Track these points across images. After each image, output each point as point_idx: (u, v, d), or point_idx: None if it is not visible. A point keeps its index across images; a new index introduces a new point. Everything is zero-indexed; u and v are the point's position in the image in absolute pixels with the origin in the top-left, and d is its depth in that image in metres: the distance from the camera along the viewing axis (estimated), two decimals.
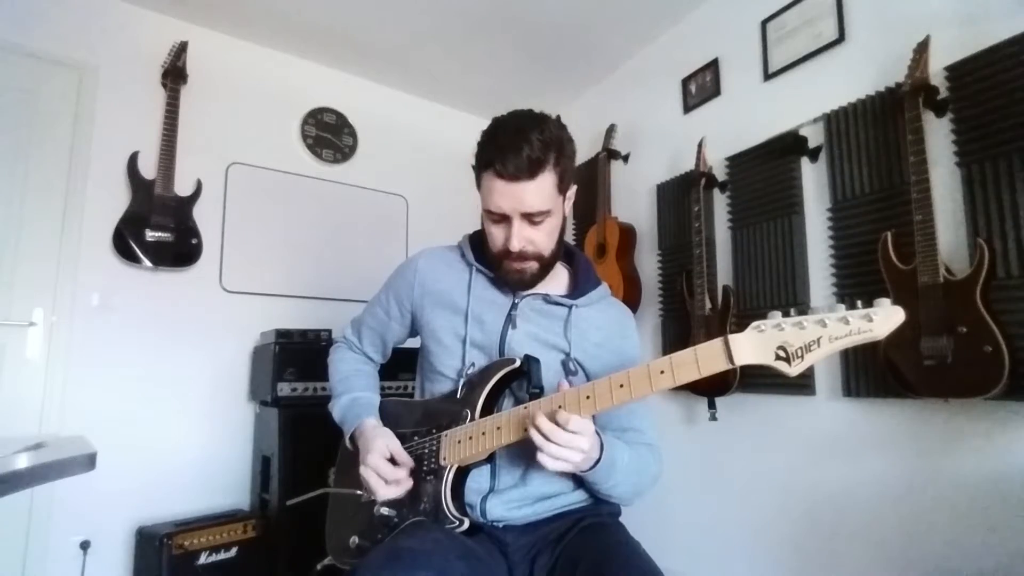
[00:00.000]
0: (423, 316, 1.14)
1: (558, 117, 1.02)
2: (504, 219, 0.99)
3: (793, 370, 0.74)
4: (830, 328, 0.72)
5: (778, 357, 0.75)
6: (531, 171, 0.93)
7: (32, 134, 2.15)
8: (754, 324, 0.77)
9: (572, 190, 1.06)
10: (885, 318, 0.70)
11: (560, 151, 0.97)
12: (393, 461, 1.00)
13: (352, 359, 1.23)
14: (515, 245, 0.98)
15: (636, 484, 1.00)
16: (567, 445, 0.83)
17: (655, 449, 1.07)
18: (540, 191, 0.95)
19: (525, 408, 0.91)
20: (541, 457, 0.84)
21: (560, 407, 0.86)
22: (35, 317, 2.10)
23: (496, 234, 1.02)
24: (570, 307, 1.07)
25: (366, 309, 1.24)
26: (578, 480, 1.01)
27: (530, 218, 0.97)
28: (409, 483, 0.99)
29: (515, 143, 0.93)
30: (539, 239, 1.00)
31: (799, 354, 0.73)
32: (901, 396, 1.59)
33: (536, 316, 1.07)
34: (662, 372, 0.82)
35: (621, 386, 0.85)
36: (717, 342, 0.78)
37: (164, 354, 2.31)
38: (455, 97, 3.21)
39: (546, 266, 1.05)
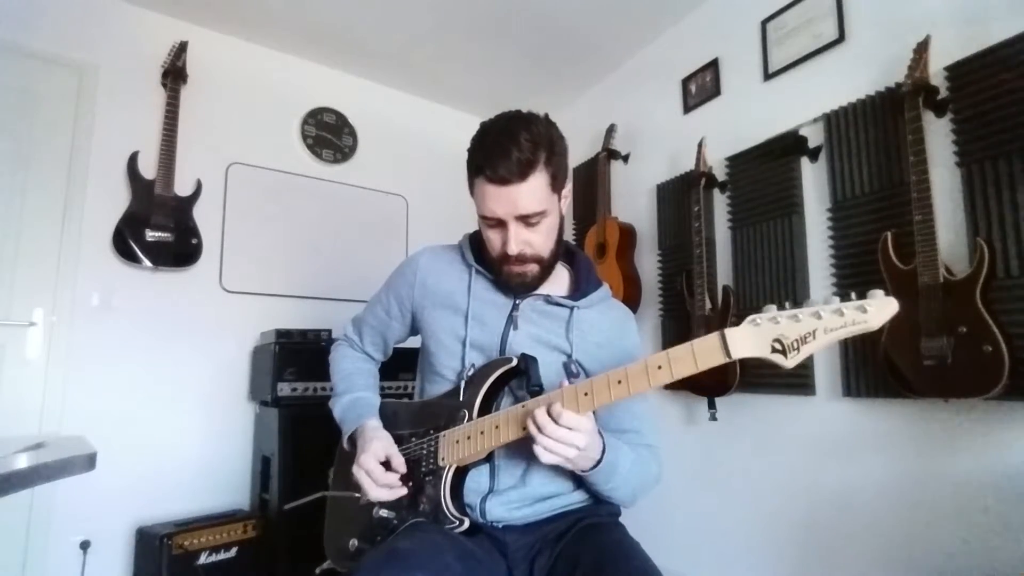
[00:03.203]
0: (423, 316, 1.13)
1: (546, 115, 1.01)
2: (500, 224, 0.98)
3: (789, 362, 0.75)
4: (825, 320, 0.73)
5: (774, 350, 0.75)
6: (521, 173, 0.93)
7: (32, 134, 2.15)
8: (750, 318, 0.78)
9: (567, 188, 1.05)
10: (879, 309, 0.71)
11: (551, 149, 0.96)
12: (387, 465, 1.00)
13: (353, 357, 1.23)
14: (513, 249, 0.98)
15: (637, 487, 1.00)
16: (559, 439, 0.83)
17: (655, 451, 1.07)
18: (533, 192, 0.94)
19: (523, 406, 0.91)
20: (535, 448, 0.85)
21: (557, 402, 0.86)
22: (35, 317, 2.10)
23: (493, 239, 1.01)
24: (571, 308, 1.07)
25: (367, 307, 1.24)
26: (578, 480, 1.01)
27: (526, 220, 0.97)
28: (403, 490, 0.99)
29: (503, 146, 0.92)
30: (537, 240, 1.00)
31: (795, 346, 0.74)
32: (901, 396, 1.59)
33: (538, 317, 1.07)
34: (659, 367, 0.83)
35: (619, 382, 0.85)
36: (713, 336, 0.79)
37: (164, 354, 2.31)
38: (455, 97, 3.21)
39: (547, 267, 1.04)
